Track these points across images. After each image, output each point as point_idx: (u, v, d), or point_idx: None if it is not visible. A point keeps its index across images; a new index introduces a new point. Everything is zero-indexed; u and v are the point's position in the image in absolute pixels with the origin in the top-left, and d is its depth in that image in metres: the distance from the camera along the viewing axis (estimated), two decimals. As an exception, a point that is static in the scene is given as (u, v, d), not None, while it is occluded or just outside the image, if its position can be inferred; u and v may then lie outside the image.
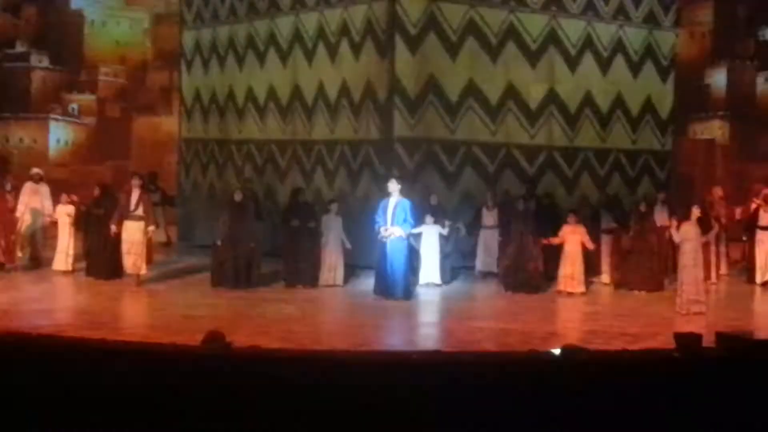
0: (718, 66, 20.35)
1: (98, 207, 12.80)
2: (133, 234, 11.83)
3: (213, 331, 6.17)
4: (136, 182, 12.24)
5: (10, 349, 5.81)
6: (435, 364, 6.11)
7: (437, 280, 12.35)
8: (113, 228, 12.01)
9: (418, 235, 12.21)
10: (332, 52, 14.59)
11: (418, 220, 11.97)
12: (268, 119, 15.98)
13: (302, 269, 12.25)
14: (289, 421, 4.93)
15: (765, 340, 7.10)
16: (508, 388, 5.35)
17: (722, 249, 13.61)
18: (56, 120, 19.44)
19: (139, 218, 11.87)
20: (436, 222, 12.23)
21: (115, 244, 12.41)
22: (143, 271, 12.03)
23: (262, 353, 6.28)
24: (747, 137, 19.66)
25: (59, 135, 19.53)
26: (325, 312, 11.45)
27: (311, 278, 12.15)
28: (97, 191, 13.49)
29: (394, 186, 11.32)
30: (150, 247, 12.88)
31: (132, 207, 11.94)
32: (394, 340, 9.73)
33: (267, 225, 13.41)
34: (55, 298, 11.82)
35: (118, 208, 12.12)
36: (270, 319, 10.26)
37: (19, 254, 13.75)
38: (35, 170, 14.63)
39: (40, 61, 19.95)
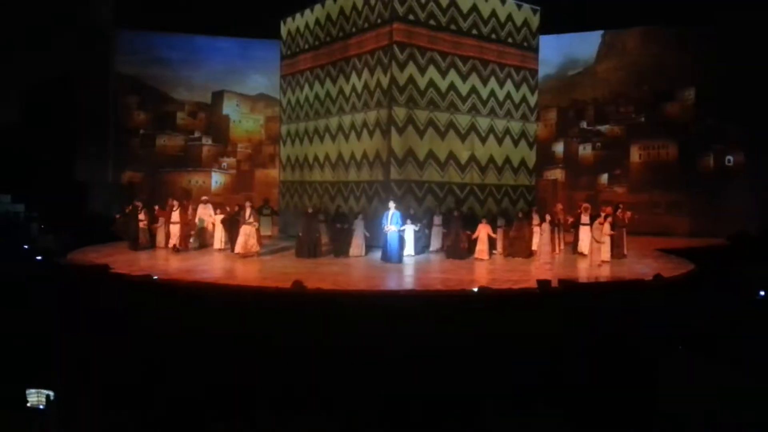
0: (558, 141, 26.19)
1: (236, 216, 17.40)
2: (247, 231, 16.22)
3: (297, 280, 10.53)
4: (248, 204, 16.70)
5: (191, 289, 11.20)
6: (412, 296, 10.63)
7: (413, 253, 16.90)
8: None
9: (404, 230, 16.45)
10: (358, 135, 19.26)
11: (404, 222, 16.28)
12: (325, 170, 20.90)
13: (342, 247, 16.85)
14: (335, 324, 8.30)
15: (582, 283, 12.16)
16: (450, 309, 9.45)
17: (561, 236, 18.00)
18: (216, 171, 26.12)
19: (251, 224, 16.31)
20: (412, 223, 16.72)
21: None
22: (256, 249, 16.35)
23: (323, 291, 10.46)
24: (573, 178, 25.80)
25: (217, 179, 26.12)
26: (354, 269, 14.72)
27: (347, 252, 16.82)
28: (236, 208, 18.01)
29: (391, 205, 16.13)
30: (259, 238, 16.64)
31: (247, 217, 16.31)
32: (391, 284, 12.81)
33: (327, 225, 17.66)
34: (213, 264, 15.29)
35: (241, 217, 16.50)
36: (326, 273, 13.61)
37: (192, 241, 18.21)
38: (204, 197, 19.35)
39: (207, 141, 26.57)
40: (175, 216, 17.73)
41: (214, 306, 10.08)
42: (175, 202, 18.11)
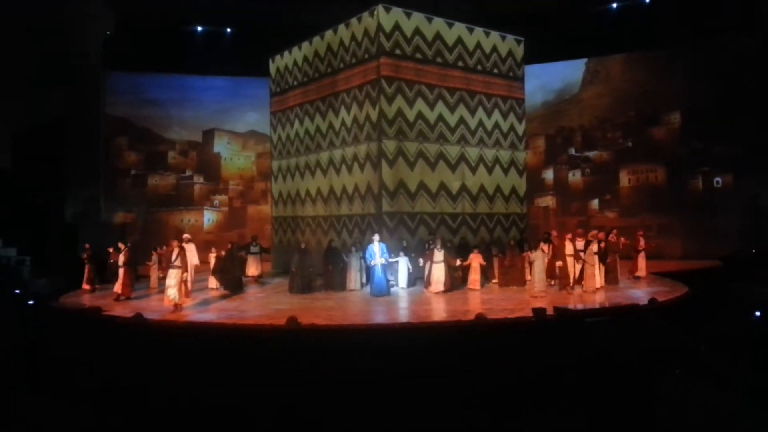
0: (548, 168, 26.55)
1: (231, 254, 16.90)
2: (171, 277, 13.53)
3: (291, 316, 10.78)
4: (175, 243, 14.17)
5: (185, 330, 11.29)
6: (407, 329, 10.82)
7: (405, 285, 16.82)
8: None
9: (396, 261, 16.66)
10: (349, 169, 19.51)
11: (393, 254, 16.58)
12: (317, 205, 21.08)
13: (337, 282, 16.94)
14: (330, 359, 8.51)
15: (576, 310, 12.33)
16: (446, 340, 9.77)
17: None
18: (208, 209, 26.35)
19: (177, 267, 13.60)
20: (405, 255, 16.83)
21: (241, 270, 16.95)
22: (172, 299, 13.44)
23: (317, 327, 10.76)
24: (564, 204, 26.10)
25: (209, 217, 26.29)
26: (349, 304, 14.60)
27: (342, 286, 16.94)
28: (229, 246, 17.71)
29: (375, 237, 16.39)
30: (182, 286, 13.71)
31: (172, 260, 13.69)
32: (386, 317, 12.73)
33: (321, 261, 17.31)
34: (209, 305, 14.70)
35: (164, 260, 14.38)
36: (320, 309, 13.62)
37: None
38: (185, 235, 16.35)
39: (198, 179, 26.90)
40: (123, 258, 15.86)
41: (209, 346, 10.08)
42: (121, 245, 16.49)
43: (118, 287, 15.57)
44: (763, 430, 5.45)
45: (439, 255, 16.20)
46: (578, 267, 15.98)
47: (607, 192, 27.46)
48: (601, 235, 16.71)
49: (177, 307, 13.50)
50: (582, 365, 8.28)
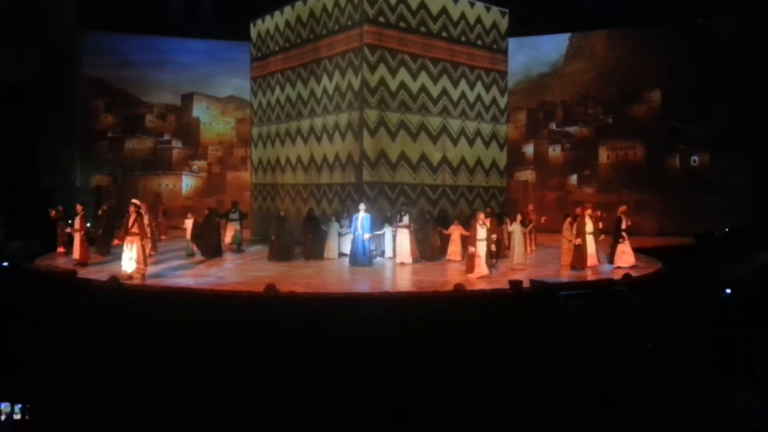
0: (529, 142, 26.77)
1: (208, 219, 17.09)
2: (129, 244, 12.78)
3: (270, 283, 11.00)
4: (132, 208, 13.10)
5: (161, 294, 11.31)
6: (386, 298, 11.00)
7: (390, 255, 17.01)
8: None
9: (383, 233, 17.03)
10: (330, 137, 19.54)
11: (376, 225, 16.60)
12: (297, 173, 21.13)
13: (315, 250, 17.12)
14: (307, 328, 8.84)
15: (551, 283, 12.18)
16: (424, 309, 10.15)
17: (533, 236, 18.49)
18: (186, 174, 26.16)
19: (135, 234, 12.80)
20: (389, 226, 16.99)
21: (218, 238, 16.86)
22: (133, 270, 12.67)
23: (296, 294, 10.97)
24: (543, 179, 26.41)
25: (188, 182, 26.15)
26: (328, 273, 14.91)
27: (320, 255, 17.10)
28: (206, 211, 17.67)
29: (361, 207, 16.22)
30: (143, 255, 12.94)
31: (129, 226, 12.80)
32: (364, 287, 13.00)
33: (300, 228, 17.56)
34: (183, 269, 14.94)
35: (122, 227, 12.95)
36: (299, 276, 13.81)
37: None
38: (134, 201, 14.36)
39: (176, 144, 26.66)
40: (77, 223, 15.28)
41: (186, 310, 10.24)
42: (79, 207, 15.88)
43: (75, 253, 15.16)
44: (732, 405, 5.55)
45: (482, 232, 14.06)
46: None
47: (586, 167, 27.66)
48: (578, 210, 16.47)
49: (140, 277, 12.82)
50: (556, 337, 8.41)
